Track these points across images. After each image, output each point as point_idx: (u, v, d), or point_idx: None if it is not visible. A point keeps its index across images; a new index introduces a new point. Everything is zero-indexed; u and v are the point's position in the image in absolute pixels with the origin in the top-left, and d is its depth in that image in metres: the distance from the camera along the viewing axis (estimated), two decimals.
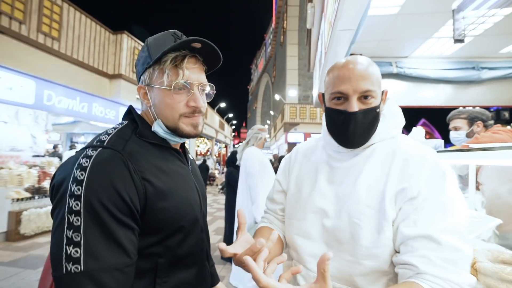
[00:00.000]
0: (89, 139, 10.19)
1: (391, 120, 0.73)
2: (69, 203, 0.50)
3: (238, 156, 2.70)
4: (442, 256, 0.54)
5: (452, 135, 1.92)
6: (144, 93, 0.67)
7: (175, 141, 0.70)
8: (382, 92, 0.70)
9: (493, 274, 0.73)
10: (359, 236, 0.62)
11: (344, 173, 0.71)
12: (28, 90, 5.05)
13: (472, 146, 1.07)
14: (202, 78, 0.68)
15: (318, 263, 0.48)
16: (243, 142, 2.65)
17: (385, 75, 4.29)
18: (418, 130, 2.35)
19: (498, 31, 3.40)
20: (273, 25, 29.83)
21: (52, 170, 5.32)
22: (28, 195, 4.55)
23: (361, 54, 4.22)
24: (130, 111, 0.70)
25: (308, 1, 5.05)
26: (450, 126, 1.98)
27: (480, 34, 3.44)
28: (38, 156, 5.53)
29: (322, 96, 0.75)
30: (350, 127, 0.66)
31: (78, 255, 0.48)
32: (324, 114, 0.75)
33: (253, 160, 2.48)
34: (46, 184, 4.95)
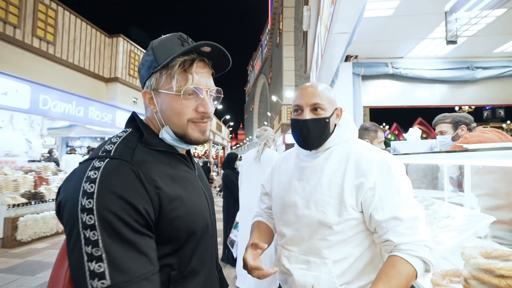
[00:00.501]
0: (85, 143, 10.18)
1: (344, 127, 0.93)
2: (82, 218, 0.47)
3: (254, 156, 2.67)
4: (405, 226, 0.75)
5: (439, 139, 2.02)
6: (150, 99, 0.65)
7: (183, 148, 0.69)
8: (336, 109, 0.92)
9: (486, 269, 0.78)
10: (324, 220, 0.82)
11: (310, 172, 0.91)
12: (23, 95, 5.02)
13: (467, 146, 1.09)
14: (211, 82, 0.67)
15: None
16: (261, 142, 2.65)
17: (381, 76, 4.33)
18: (414, 131, 2.38)
19: (491, 31, 3.44)
20: (269, 26, 29.90)
21: (48, 175, 5.27)
22: (24, 200, 4.51)
23: (357, 56, 4.25)
24: (134, 118, 0.68)
25: (304, 3, 5.07)
26: (436, 131, 2.07)
27: (473, 34, 3.48)
28: (33, 161, 5.48)
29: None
30: (304, 131, 0.88)
31: (102, 269, 0.46)
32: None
33: None
34: (43, 189, 4.91)
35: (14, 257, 3.76)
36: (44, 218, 4.69)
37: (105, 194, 0.49)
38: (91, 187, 0.49)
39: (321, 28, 3.66)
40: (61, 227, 4.94)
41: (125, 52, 7.22)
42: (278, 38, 24.25)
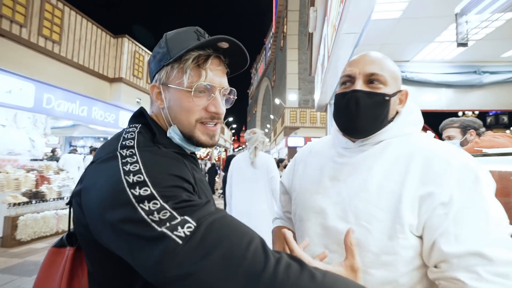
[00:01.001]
0: (88, 142, 10.20)
1: (406, 116, 0.68)
2: (133, 194, 0.42)
3: (247, 160, 2.61)
4: (493, 271, 0.48)
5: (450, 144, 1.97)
6: (158, 93, 0.60)
7: (190, 150, 0.64)
8: (400, 91, 0.67)
9: None
10: (367, 241, 0.57)
11: (350, 170, 0.66)
12: (27, 93, 5.03)
13: (486, 151, 1.05)
14: (225, 81, 0.61)
15: (344, 239, 0.51)
16: (255, 145, 2.59)
17: None
18: (427, 135, 2.34)
19: (499, 35, 3.42)
20: (273, 29, 30.08)
21: (50, 174, 5.26)
22: (25, 199, 4.49)
23: None
24: (142, 113, 0.62)
25: (310, 5, 5.07)
26: (444, 136, 2.03)
27: (482, 38, 3.46)
28: (36, 160, 5.48)
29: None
30: (351, 107, 0.63)
31: (178, 220, 0.41)
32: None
33: (274, 164, 2.59)
34: (44, 188, 4.90)
35: (13, 257, 3.74)
36: (44, 218, 4.67)
37: (155, 168, 0.46)
38: (135, 166, 0.45)
39: (328, 29, 3.65)
40: (61, 227, 4.91)
41: (129, 53, 7.26)
42: (282, 41, 24.35)
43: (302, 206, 0.72)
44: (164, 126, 0.61)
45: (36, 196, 4.70)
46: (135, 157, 0.47)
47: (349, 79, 0.66)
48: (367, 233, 0.58)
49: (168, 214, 0.41)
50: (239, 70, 0.67)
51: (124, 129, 0.58)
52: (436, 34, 3.52)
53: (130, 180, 0.43)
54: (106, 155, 0.50)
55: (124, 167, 0.45)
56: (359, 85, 0.63)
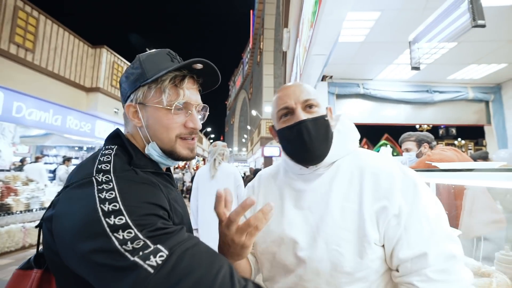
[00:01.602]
0: (61, 152, 9.68)
1: (347, 135, 0.72)
2: (108, 222, 0.42)
3: (210, 171, 2.69)
4: (437, 269, 0.54)
5: (405, 155, 2.25)
6: (134, 112, 0.61)
7: (167, 165, 0.65)
8: (326, 107, 0.71)
9: None
10: (341, 264, 0.59)
11: (311, 196, 0.68)
12: None
13: (437, 165, 1.24)
14: (199, 99, 0.65)
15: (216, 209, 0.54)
16: (214, 158, 2.69)
17: (353, 95, 4.73)
18: (386, 150, 2.65)
19: (444, 61, 3.96)
20: (250, 45, 30.94)
21: (17, 185, 4.98)
22: None
23: (331, 76, 4.63)
24: (118, 135, 0.62)
25: (284, 26, 5.47)
26: (402, 148, 2.30)
27: (431, 62, 3.98)
28: (2, 170, 5.17)
29: (272, 127, 0.76)
30: (304, 137, 0.65)
31: (151, 248, 0.41)
32: (279, 142, 0.74)
33: (239, 173, 2.73)
34: (10, 200, 4.61)
35: None
36: (9, 232, 4.37)
37: (131, 195, 0.46)
38: (111, 194, 0.45)
39: (300, 49, 3.99)
40: (28, 241, 4.62)
41: (108, 63, 7.19)
42: (258, 56, 25.10)
43: (269, 239, 0.70)
44: (140, 144, 0.62)
45: (1, 209, 4.42)
46: (111, 183, 0.47)
47: (288, 110, 0.68)
48: (340, 256, 0.59)
49: (142, 243, 0.41)
50: (212, 87, 0.70)
51: (99, 150, 0.59)
52: (394, 57, 3.98)
53: (106, 209, 0.43)
54: (81, 179, 0.49)
55: (100, 195, 0.45)
56: (302, 114, 0.66)
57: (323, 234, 0.62)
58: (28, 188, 5.08)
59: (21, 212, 4.62)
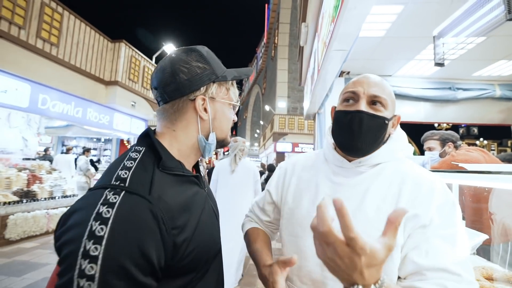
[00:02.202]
0: (81, 143, 10.07)
1: (397, 142, 0.72)
2: (81, 265, 0.41)
3: (231, 166, 2.79)
4: (458, 286, 0.53)
5: (428, 155, 2.14)
6: (203, 105, 0.63)
7: (210, 154, 0.69)
8: (395, 115, 0.71)
9: None
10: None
11: (347, 191, 0.68)
12: (23, 94, 5.06)
13: (464, 165, 1.18)
14: None
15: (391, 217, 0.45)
16: (235, 153, 2.80)
17: None
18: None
19: (471, 56, 3.78)
20: (264, 40, 30.70)
21: (42, 174, 5.25)
22: (15, 198, 4.47)
23: (349, 72, 4.54)
24: (148, 134, 0.61)
25: (301, 20, 5.39)
26: (425, 147, 2.20)
27: (456, 58, 3.81)
28: (28, 159, 5.45)
29: (334, 108, 0.76)
30: (355, 126, 0.65)
31: None
32: (331, 124, 0.75)
33: (257, 169, 2.85)
34: (36, 188, 4.88)
35: (1, 257, 3.68)
36: (35, 217, 4.64)
37: (117, 243, 0.43)
38: (101, 229, 0.43)
39: (319, 44, 3.92)
40: (51, 226, 4.89)
41: (126, 57, 7.36)
42: (273, 51, 24.88)
43: (298, 223, 0.72)
44: (168, 144, 0.62)
45: (27, 195, 4.67)
46: (110, 210, 0.45)
47: (353, 96, 0.68)
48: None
49: None
50: None
51: (130, 149, 0.60)
52: (416, 53, 3.84)
53: (88, 247, 0.42)
54: (97, 186, 0.51)
55: (93, 224, 0.44)
56: (363, 106, 0.66)
57: None
58: (51, 176, 5.34)
59: (45, 199, 4.88)
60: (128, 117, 8.22)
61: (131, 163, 0.55)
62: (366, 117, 0.65)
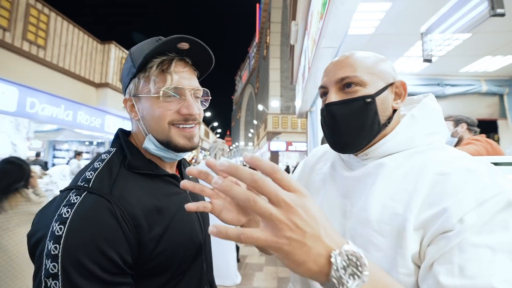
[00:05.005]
0: (72, 146, 9.91)
1: (421, 124, 0.55)
2: (45, 264, 0.43)
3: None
4: None
5: None
6: (131, 106, 0.60)
7: (172, 158, 0.61)
8: (391, 84, 0.56)
9: None
10: None
11: (353, 186, 0.56)
12: (10, 97, 4.95)
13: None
14: (195, 82, 0.61)
15: None
16: (215, 152, 2.95)
17: None
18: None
19: (458, 52, 3.87)
20: (256, 39, 30.74)
21: None
22: None
23: None
24: (118, 135, 0.61)
25: (291, 19, 5.41)
26: None
27: (443, 55, 3.89)
28: None
29: None
30: (330, 122, 0.57)
31: None
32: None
33: None
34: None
35: None
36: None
37: (73, 241, 0.44)
38: (60, 229, 0.44)
39: (309, 42, 3.95)
40: None
41: (116, 59, 7.26)
42: (265, 51, 24.94)
43: None
44: (142, 143, 0.60)
45: None
46: (69, 211, 0.46)
47: (324, 90, 0.60)
48: None
49: None
50: (208, 69, 0.66)
51: (107, 150, 0.61)
52: (405, 50, 3.90)
53: (49, 248, 0.43)
54: (66, 187, 0.52)
55: (54, 224, 0.45)
56: (333, 96, 0.56)
57: (351, 231, 0.52)
58: (42, 181, 5.23)
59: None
60: (120, 119, 8.12)
61: (99, 164, 0.55)
62: (335, 108, 0.55)
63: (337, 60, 0.59)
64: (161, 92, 0.55)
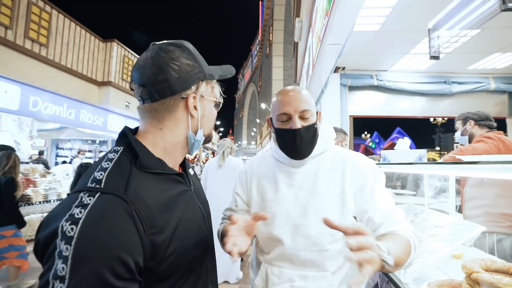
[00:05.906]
0: (75, 145, 9.95)
1: (327, 135, 0.92)
2: (56, 265, 0.41)
3: (218, 162, 3.05)
4: (398, 220, 0.79)
5: (456, 135, 2.17)
6: (194, 103, 0.63)
7: (198, 147, 0.70)
8: (317, 112, 0.87)
9: (491, 284, 0.73)
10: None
11: (301, 177, 0.86)
12: (13, 96, 4.96)
13: (460, 157, 1.16)
14: None
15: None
16: (223, 150, 3.05)
17: (366, 87, 4.60)
18: (404, 142, 2.59)
19: (466, 49, 3.77)
20: (259, 38, 30.59)
21: (36, 177, 5.16)
22: None
23: (344, 67, 4.50)
24: (125, 134, 0.60)
25: (295, 16, 5.34)
26: (455, 128, 2.23)
27: (451, 52, 3.80)
28: (21, 162, 5.34)
29: (270, 120, 0.91)
30: (297, 141, 0.82)
31: None
32: (273, 134, 0.90)
33: (243, 166, 3.00)
34: (30, 191, 4.79)
35: None
36: (30, 221, 4.56)
37: (85, 243, 0.42)
38: (72, 229, 0.43)
39: (313, 39, 3.89)
40: None
41: (118, 57, 7.25)
42: (268, 49, 24.80)
43: (266, 211, 0.85)
44: (157, 144, 0.61)
45: (21, 200, 4.59)
46: (82, 211, 0.44)
47: (287, 115, 0.83)
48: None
49: None
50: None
51: (109, 151, 0.59)
52: (411, 47, 3.82)
53: (61, 248, 0.42)
54: (75, 190, 0.50)
55: (64, 224, 0.43)
56: (298, 123, 0.81)
57: (313, 206, 0.82)
58: (45, 180, 5.25)
59: (40, 202, 4.80)
60: (122, 118, 8.12)
61: (108, 163, 0.54)
62: (303, 131, 0.82)
63: (292, 95, 0.84)
64: (222, 99, 0.72)
